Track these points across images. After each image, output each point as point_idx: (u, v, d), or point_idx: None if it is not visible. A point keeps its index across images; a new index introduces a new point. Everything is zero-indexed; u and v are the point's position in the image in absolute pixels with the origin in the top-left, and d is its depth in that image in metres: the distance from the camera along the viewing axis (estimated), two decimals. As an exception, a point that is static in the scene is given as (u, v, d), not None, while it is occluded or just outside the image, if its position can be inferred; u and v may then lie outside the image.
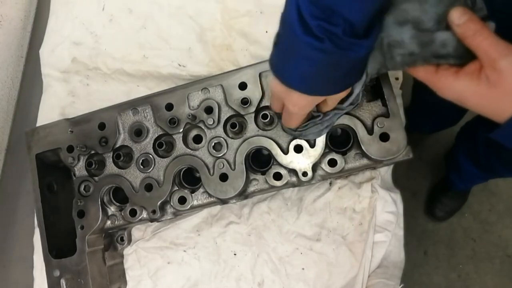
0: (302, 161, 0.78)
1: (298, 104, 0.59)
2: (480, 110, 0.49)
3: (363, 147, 0.75)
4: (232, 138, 0.82)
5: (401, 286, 0.88)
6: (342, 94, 0.61)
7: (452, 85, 0.49)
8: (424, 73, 0.52)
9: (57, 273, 0.85)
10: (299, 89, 0.56)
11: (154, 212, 0.83)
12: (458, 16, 0.47)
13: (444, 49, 0.50)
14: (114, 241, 0.96)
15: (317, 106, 0.66)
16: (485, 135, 1.01)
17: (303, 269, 0.91)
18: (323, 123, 0.70)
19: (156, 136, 0.85)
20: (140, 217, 0.86)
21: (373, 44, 0.52)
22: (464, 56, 0.49)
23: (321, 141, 0.77)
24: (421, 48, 0.51)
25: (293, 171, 0.79)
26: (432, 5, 0.48)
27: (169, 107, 0.85)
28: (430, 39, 0.50)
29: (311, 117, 0.69)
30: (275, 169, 0.80)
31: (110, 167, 0.87)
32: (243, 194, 0.82)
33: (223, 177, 0.80)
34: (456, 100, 0.50)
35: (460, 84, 0.48)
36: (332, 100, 0.63)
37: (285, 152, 0.78)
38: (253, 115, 0.81)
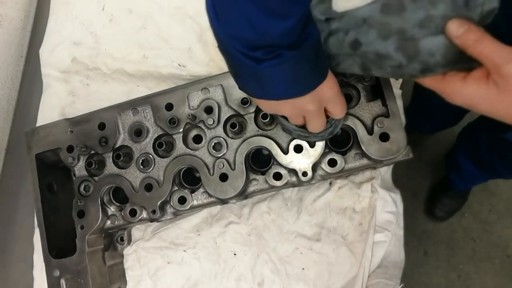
0: (302, 161, 0.78)
1: (329, 86, 0.58)
2: (492, 114, 0.49)
3: (363, 147, 0.75)
4: (232, 138, 0.82)
5: (401, 286, 0.88)
6: None
7: (460, 91, 0.49)
8: (431, 81, 0.52)
9: (57, 273, 0.85)
10: (299, 94, 0.56)
11: (154, 212, 0.83)
12: (455, 28, 0.46)
13: (432, 58, 0.49)
14: (114, 241, 0.96)
15: None
16: (500, 136, 1.01)
17: (303, 269, 0.91)
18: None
19: (156, 136, 0.85)
20: (140, 217, 0.86)
21: (314, 25, 0.54)
22: (455, 62, 0.49)
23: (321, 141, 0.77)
24: (408, 60, 0.51)
25: (293, 171, 0.79)
26: (411, 11, 0.48)
27: (169, 107, 0.85)
28: (415, 50, 0.49)
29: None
30: (275, 169, 0.80)
31: (110, 167, 0.87)
32: (243, 194, 0.82)
33: (223, 177, 0.80)
34: (466, 105, 0.49)
35: (469, 89, 0.48)
36: None
37: (285, 152, 0.78)
38: (253, 115, 0.81)
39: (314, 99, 0.57)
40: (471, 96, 0.48)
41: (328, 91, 0.58)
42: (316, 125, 0.63)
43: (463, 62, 0.48)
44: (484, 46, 0.45)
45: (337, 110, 0.63)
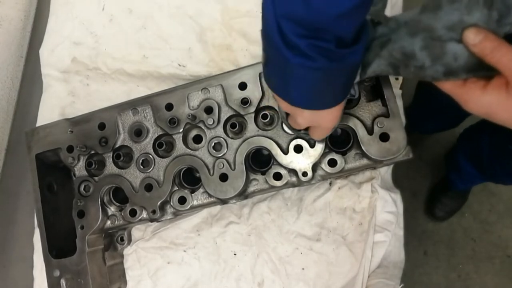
0: (302, 161, 0.78)
1: (330, 118, 0.60)
2: (510, 124, 0.48)
3: (363, 147, 0.75)
4: (232, 138, 0.82)
5: (401, 286, 0.88)
6: None
7: (479, 99, 0.48)
8: (451, 85, 0.52)
9: (57, 273, 0.85)
10: (319, 107, 0.57)
11: (154, 212, 0.83)
12: (472, 37, 0.46)
13: (456, 62, 0.49)
14: (114, 241, 0.96)
15: None
16: (511, 148, 1.00)
17: (303, 269, 0.91)
18: None
19: (156, 136, 0.85)
20: (140, 217, 0.86)
21: (365, 45, 0.52)
22: (478, 68, 0.49)
23: (321, 141, 0.77)
24: (432, 62, 0.51)
25: (293, 171, 0.79)
26: (446, 13, 0.48)
27: (169, 107, 0.85)
28: (442, 51, 0.49)
29: None
30: (275, 169, 0.80)
31: (110, 167, 0.87)
32: (243, 194, 0.82)
33: (223, 177, 0.80)
34: (483, 114, 0.49)
35: (488, 98, 0.47)
36: None
37: (285, 152, 0.78)
38: (253, 115, 0.81)
39: (308, 116, 0.59)
40: (489, 104, 0.47)
41: (326, 122, 0.61)
42: (293, 125, 0.70)
43: (486, 69, 0.48)
44: (501, 54, 0.45)
45: (315, 135, 0.69)
